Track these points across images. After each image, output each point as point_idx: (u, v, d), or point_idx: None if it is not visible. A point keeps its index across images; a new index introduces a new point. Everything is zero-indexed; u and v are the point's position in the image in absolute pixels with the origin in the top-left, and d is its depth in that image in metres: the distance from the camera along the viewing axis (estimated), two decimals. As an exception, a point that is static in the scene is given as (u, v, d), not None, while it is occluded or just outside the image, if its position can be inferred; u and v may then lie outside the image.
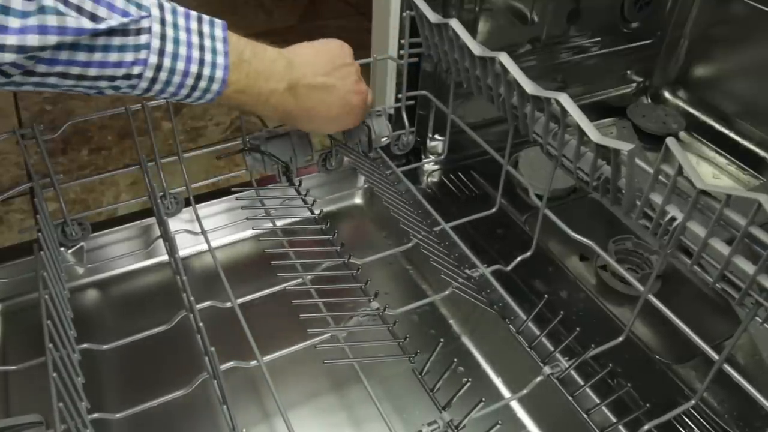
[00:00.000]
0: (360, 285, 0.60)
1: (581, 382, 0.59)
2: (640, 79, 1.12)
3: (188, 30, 0.46)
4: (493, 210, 0.73)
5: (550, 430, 0.63)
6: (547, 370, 0.55)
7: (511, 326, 0.61)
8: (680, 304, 0.65)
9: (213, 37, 0.47)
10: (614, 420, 0.58)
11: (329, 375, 0.65)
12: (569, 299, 0.73)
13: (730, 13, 0.97)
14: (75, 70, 0.41)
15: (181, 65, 0.45)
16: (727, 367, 0.49)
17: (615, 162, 0.48)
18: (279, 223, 0.70)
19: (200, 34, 0.46)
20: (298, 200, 0.70)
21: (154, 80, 0.45)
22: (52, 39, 0.38)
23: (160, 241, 0.69)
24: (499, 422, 0.48)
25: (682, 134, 1.06)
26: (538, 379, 0.54)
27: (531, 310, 0.58)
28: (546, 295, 0.59)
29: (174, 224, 0.72)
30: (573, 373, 0.59)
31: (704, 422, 0.60)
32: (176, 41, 0.45)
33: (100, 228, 0.74)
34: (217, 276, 0.60)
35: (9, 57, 0.37)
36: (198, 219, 0.68)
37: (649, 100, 1.13)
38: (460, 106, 0.88)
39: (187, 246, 0.76)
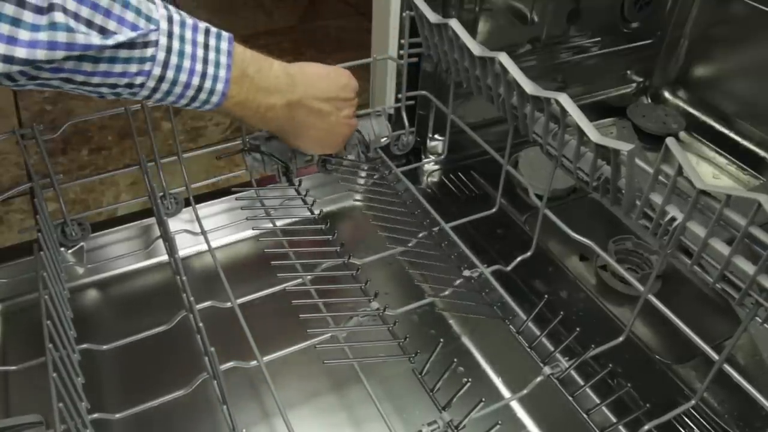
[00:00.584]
0: (360, 285, 0.60)
1: (581, 382, 0.59)
2: (640, 79, 1.12)
3: (194, 43, 0.46)
4: (493, 210, 0.73)
5: (550, 430, 0.63)
6: (547, 370, 0.55)
7: (511, 326, 0.61)
8: (680, 304, 0.65)
9: (218, 50, 0.48)
10: (614, 420, 0.58)
11: (329, 375, 0.65)
12: (569, 299, 0.73)
13: (730, 13, 0.97)
14: (79, 78, 0.42)
15: (183, 77, 0.46)
16: (727, 367, 0.49)
17: (615, 162, 0.48)
18: (279, 223, 0.70)
19: (206, 47, 0.47)
20: (298, 200, 0.70)
21: (155, 90, 0.46)
22: (60, 54, 0.38)
23: (160, 241, 0.69)
24: (499, 422, 0.48)
25: (682, 134, 1.06)
26: (538, 379, 0.54)
27: (531, 310, 0.58)
28: (546, 295, 0.59)
29: (174, 224, 0.72)
30: (573, 373, 0.59)
31: (704, 422, 0.60)
32: (181, 54, 0.45)
33: (100, 228, 0.74)
34: (217, 276, 0.60)
35: (17, 67, 0.38)
36: (198, 219, 0.68)
37: (649, 100, 1.13)
38: (460, 106, 0.88)
39: (187, 246, 0.76)
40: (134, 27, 0.41)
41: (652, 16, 1.02)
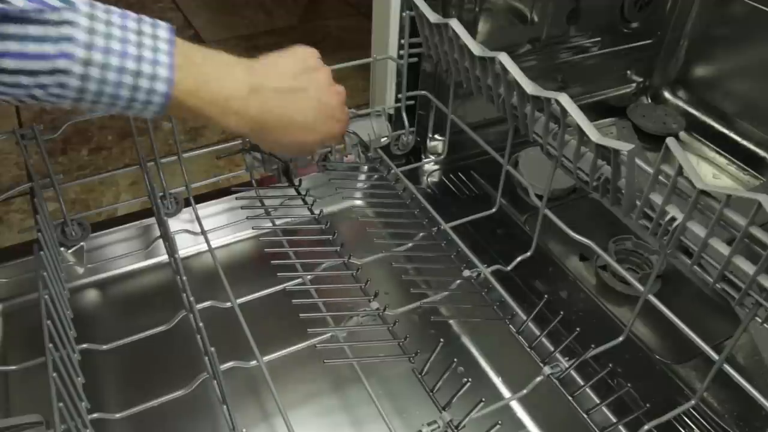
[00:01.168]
0: (360, 285, 0.60)
1: (581, 382, 0.59)
2: (640, 79, 1.12)
3: (124, 27, 0.43)
4: (493, 210, 0.73)
5: (550, 430, 0.63)
6: (547, 370, 0.55)
7: (511, 326, 0.61)
8: (680, 304, 0.65)
9: (155, 37, 0.44)
10: (614, 420, 0.58)
11: (329, 375, 0.65)
12: (569, 299, 0.73)
13: (730, 13, 0.97)
14: None
15: (115, 60, 0.42)
16: (727, 367, 0.49)
17: (615, 162, 0.48)
18: (279, 223, 0.70)
19: (139, 33, 0.44)
20: (298, 200, 0.70)
21: (85, 77, 0.42)
22: None
23: (160, 241, 0.69)
24: (499, 422, 0.48)
25: (682, 134, 1.06)
26: (538, 379, 0.54)
27: (531, 310, 0.58)
28: (546, 295, 0.59)
29: (174, 224, 0.72)
30: (573, 373, 0.58)
31: (704, 422, 0.60)
32: (108, 36, 0.42)
33: (100, 228, 0.74)
34: (217, 276, 0.60)
35: None
36: (198, 219, 0.68)
37: (649, 100, 1.13)
38: (460, 106, 0.88)
39: (187, 246, 0.76)
40: (41, 2, 0.39)
41: (652, 16, 1.02)
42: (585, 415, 0.55)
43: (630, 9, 0.99)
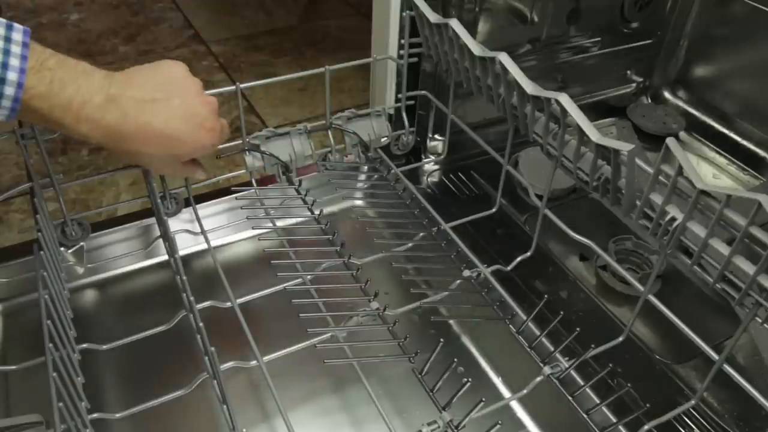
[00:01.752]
0: (360, 285, 0.60)
1: (581, 382, 0.59)
2: (640, 79, 1.12)
3: None
4: (493, 210, 0.73)
5: (550, 430, 0.63)
6: (547, 370, 0.55)
7: (511, 326, 0.61)
8: (680, 304, 0.65)
9: (8, 40, 0.43)
10: (614, 420, 0.58)
11: (329, 375, 0.65)
12: (569, 299, 0.73)
13: (730, 13, 0.97)
14: None
15: None
16: (727, 367, 0.49)
17: (615, 162, 0.48)
18: (279, 223, 0.70)
19: None
20: (298, 200, 0.70)
21: None
22: None
23: (160, 241, 0.69)
24: (499, 422, 0.48)
25: (682, 134, 1.06)
26: (538, 379, 0.54)
27: (531, 310, 0.58)
28: (546, 295, 0.59)
29: (174, 224, 0.72)
30: (573, 373, 0.58)
31: (704, 422, 0.60)
32: None
33: (100, 228, 0.74)
34: (217, 276, 0.60)
35: None
36: (198, 219, 0.68)
37: (649, 100, 1.13)
38: (460, 106, 0.88)
39: (187, 246, 0.76)
40: None
41: (652, 16, 1.02)
42: (585, 415, 0.55)
43: (630, 9, 0.99)
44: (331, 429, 0.62)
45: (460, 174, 0.92)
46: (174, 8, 1.71)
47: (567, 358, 0.56)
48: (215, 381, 0.52)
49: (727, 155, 1.02)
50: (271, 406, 0.62)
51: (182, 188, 0.70)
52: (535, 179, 0.79)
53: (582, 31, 0.98)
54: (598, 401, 0.58)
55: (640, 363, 0.66)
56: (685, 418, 0.60)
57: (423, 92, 0.81)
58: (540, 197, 0.64)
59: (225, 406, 0.51)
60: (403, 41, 0.73)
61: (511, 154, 0.74)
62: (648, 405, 0.56)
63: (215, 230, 0.71)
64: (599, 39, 1.01)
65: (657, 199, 0.47)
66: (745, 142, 1.01)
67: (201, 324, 0.52)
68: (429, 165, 0.92)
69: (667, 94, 1.12)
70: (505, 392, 0.65)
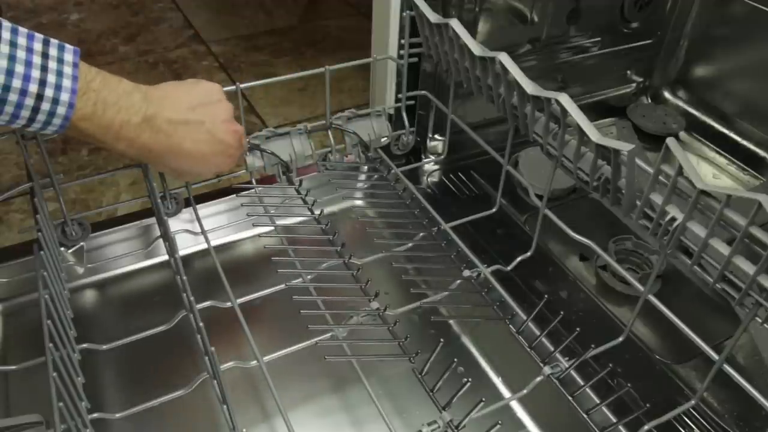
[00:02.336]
0: (360, 285, 0.60)
1: (581, 382, 0.59)
2: (640, 79, 1.12)
3: (29, 50, 0.44)
4: (493, 210, 0.73)
5: (550, 430, 0.63)
6: (547, 370, 0.55)
7: (511, 326, 0.61)
8: (680, 304, 0.65)
9: (61, 61, 0.45)
10: (614, 420, 0.58)
11: (329, 375, 0.65)
12: (569, 299, 0.73)
13: (730, 13, 0.97)
14: None
15: (17, 83, 0.43)
16: (727, 367, 0.49)
17: (615, 162, 0.48)
18: (279, 222, 0.70)
19: (44, 55, 0.44)
20: (298, 200, 0.70)
21: None
22: None
23: (160, 241, 0.69)
24: (499, 422, 0.48)
25: (682, 134, 1.06)
26: (538, 379, 0.54)
27: (531, 310, 0.58)
28: (546, 295, 0.59)
29: (174, 224, 0.72)
30: (573, 373, 0.58)
31: (704, 422, 0.60)
32: (11, 58, 0.42)
33: (100, 228, 0.74)
34: (217, 276, 0.60)
35: None
36: (198, 219, 0.68)
37: (649, 100, 1.13)
38: (460, 106, 0.88)
39: (187, 246, 0.76)
40: None
41: (652, 16, 1.02)
42: (585, 415, 0.55)
43: (630, 9, 1.00)
44: (331, 429, 0.62)
45: (460, 174, 0.92)
46: (174, 8, 1.71)
47: (567, 358, 0.56)
48: (215, 381, 0.52)
49: (727, 155, 1.02)
50: (271, 406, 0.62)
51: (182, 188, 0.70)
52: (535, 179, 0.79)
53: (582, 31, 0.98)
54: (598, 401, 0.58)
55: (640, 363, 0.66)
56: (685, 418, 0.60)
57: (423, 92, 0.81)
58: (540, 197, 0.64)
59: (225, 406, 0.51)
60: (403, 41, 0.73)
61: (511, 154, 0.74)
62: (648, 405, 0.56)
63: (215, 230, 0.71)
64: (599, 39, 1.01)
65: (657, 199, 0.47)
66: (745, 142, 1.01)
67: (201, 324, 0.52)
68: (429, 165, 0.92)
69: (667, 94, 1.12)
70: (505, 392, 0.65)
